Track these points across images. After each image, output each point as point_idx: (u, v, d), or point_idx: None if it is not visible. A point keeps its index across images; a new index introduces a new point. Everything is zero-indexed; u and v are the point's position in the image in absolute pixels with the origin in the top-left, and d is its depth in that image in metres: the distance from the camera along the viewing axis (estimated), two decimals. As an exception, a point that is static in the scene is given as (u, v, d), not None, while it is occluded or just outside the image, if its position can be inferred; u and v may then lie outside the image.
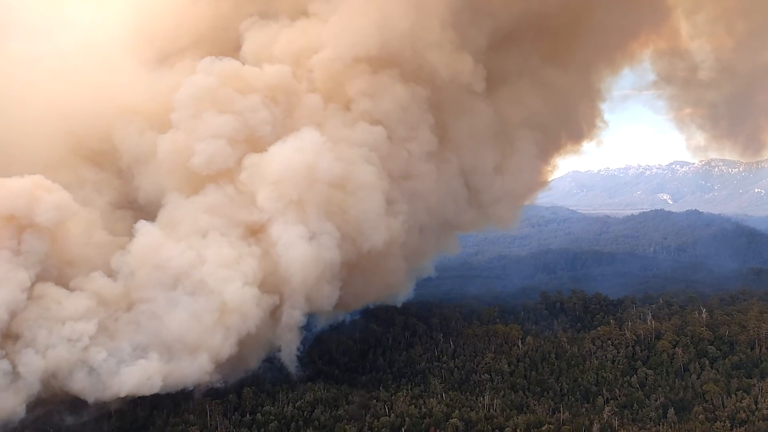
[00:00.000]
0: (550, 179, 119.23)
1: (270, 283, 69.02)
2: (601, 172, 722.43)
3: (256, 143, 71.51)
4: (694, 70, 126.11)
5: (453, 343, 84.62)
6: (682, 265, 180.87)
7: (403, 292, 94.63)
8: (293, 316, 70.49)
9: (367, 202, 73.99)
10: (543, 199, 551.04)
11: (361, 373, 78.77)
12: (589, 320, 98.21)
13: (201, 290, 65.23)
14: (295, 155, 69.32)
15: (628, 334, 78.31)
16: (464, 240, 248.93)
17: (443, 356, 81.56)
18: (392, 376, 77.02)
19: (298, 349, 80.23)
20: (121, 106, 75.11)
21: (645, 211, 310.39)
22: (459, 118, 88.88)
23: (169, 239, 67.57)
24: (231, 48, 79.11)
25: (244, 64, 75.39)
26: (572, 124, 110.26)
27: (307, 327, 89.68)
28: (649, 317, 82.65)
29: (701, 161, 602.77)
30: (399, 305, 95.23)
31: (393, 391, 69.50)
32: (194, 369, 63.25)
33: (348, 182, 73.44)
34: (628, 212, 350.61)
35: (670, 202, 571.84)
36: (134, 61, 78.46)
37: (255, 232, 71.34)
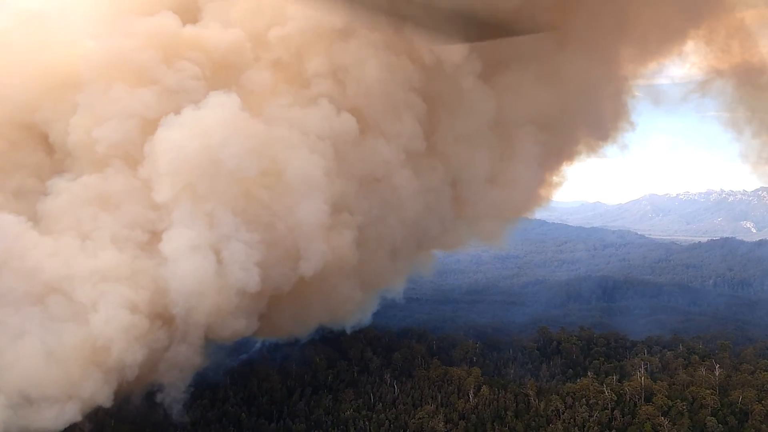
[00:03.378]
0: (554, 195, 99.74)
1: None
2: (680, 196, 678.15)
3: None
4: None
5: (397, 387, 68.92)
6: (739, 302, 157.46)
7: (354, 320, 79.23)
8: (179, 353, 56.04)
9: (303, 207, 58.15)
10: (613, 222, 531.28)
11: (275, 419, 64.04)
12: (587, 365, 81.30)
13: (70, 313, 51.60)
14: (192, 132, 53.94)
15: (607, 393, 60.20)
16: (505, 261, 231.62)
17: (378, 404, 66.01)
18: (306, 426, 62.15)
19: (216, 382, 67.56)
20: (54, 77, 60.53)
21: (714, 239, 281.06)
22: (449, 113, 72.50)
23: (35, 238, 54.37)
24: None
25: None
26: (591, 122, 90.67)
27: (238, 349, 76.94)
28: (641, 371, 63.98)
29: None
30: (348, 332, 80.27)
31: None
32: (54, 418, 49.59)
33: (279, 177, 57.54)
34: (700, 240, 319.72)
35: (754, 231, 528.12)
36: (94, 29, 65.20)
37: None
